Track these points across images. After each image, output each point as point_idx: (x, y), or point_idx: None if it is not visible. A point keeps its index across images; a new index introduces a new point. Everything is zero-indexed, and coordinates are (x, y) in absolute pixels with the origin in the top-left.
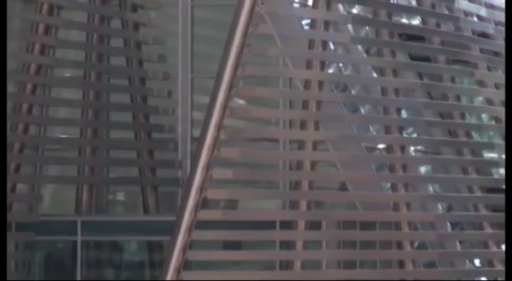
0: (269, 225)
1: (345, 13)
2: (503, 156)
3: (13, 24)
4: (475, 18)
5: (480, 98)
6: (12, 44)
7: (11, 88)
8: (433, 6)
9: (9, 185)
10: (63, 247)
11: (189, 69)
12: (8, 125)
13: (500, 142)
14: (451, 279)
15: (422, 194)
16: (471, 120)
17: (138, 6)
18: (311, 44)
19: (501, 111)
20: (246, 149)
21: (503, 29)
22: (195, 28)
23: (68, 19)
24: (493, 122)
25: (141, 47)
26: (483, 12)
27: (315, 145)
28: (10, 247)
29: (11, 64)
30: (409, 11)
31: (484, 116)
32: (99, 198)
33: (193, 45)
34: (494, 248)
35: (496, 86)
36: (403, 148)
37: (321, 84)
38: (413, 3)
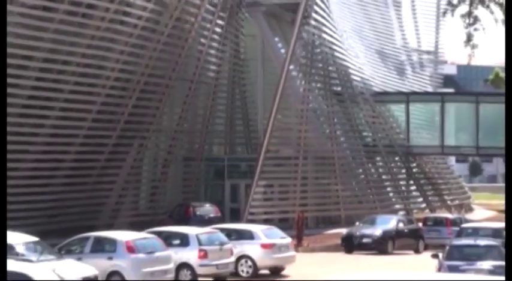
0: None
1: (313, 86)
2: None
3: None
4: (359, 87)
5: (361, 114)
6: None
7: (200, 111)
8: (345, 82)
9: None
10: (220, 167)
11: (262, 110)
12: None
13: (367, 129)
14: None
15: (340, 147)
16: (357, 121)
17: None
18: (304, 96)
19: (369, 119)
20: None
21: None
22: (265, 92)
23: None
24: (366, 122)
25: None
26: (361, 84)
27: (306, 131)
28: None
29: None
30: (336, 84)
31: (363, 121)
32: (231, 151)
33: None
34: None
35: (366, 110)
36: (335, 131)
37: (307, 110)
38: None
